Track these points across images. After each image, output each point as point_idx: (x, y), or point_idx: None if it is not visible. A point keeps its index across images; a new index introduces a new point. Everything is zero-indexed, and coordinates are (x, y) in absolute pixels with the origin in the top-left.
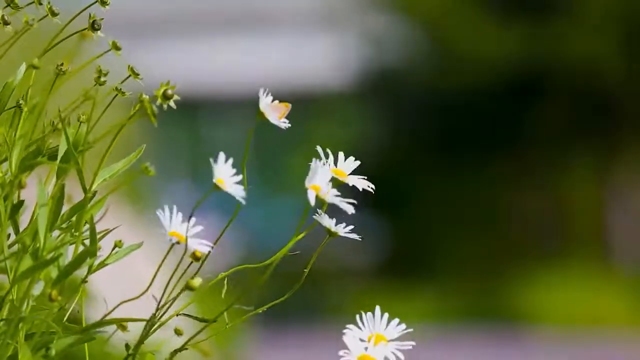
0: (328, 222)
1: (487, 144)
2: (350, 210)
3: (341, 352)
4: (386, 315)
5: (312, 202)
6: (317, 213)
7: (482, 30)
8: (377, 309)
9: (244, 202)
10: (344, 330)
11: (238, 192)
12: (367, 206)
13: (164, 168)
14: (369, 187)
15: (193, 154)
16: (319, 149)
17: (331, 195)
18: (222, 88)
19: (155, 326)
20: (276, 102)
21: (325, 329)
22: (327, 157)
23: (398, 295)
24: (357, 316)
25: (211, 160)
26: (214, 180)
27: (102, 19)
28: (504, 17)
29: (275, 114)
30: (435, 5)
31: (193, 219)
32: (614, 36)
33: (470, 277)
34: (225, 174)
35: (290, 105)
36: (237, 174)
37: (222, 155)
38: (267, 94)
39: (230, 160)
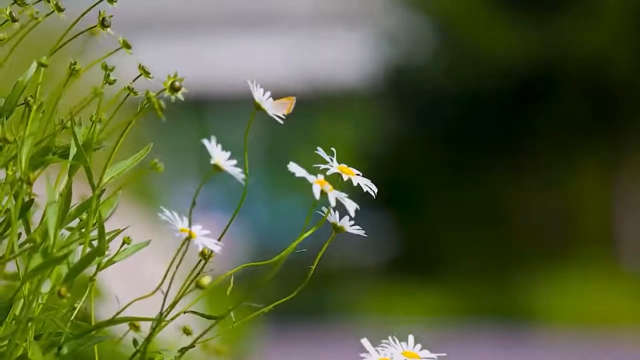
0: (334, 217)
1: (498, 143)
2: (353, 208)
3: (362, 355)
4: (419, 344)
5: (317, 196)
6: (324, 211)
7: (496, 29)
8: (411, 337)
9: (243, 182)
10: (364, 339)
11: (237, 173)
12: (376, 205)
13: (173, 166)
14: (369, 188)
15: (202, 153)
16: (319, 150)
17: (335, 192)
18: (233, 86)
19: (162, 324)
20: (281, 99)
21: (335, 327)
22: (332, 155)
23: (406, 294)
24: (390, 338)
25: (205, 141)
26: (212, 162)
27: (112, 15)
28: (518, 17)
29: (282, 109)
30: (450, 5)
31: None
32: (624, 35)
33: (479, 276)
34: (221, 157)
35: (294, 98)
36: (242, 167)
37: (213, 138)
38: (257, 86)
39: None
